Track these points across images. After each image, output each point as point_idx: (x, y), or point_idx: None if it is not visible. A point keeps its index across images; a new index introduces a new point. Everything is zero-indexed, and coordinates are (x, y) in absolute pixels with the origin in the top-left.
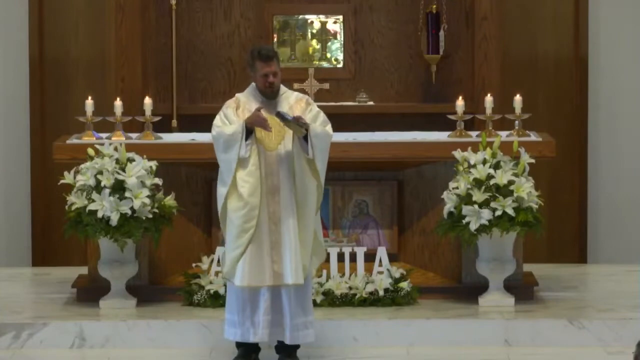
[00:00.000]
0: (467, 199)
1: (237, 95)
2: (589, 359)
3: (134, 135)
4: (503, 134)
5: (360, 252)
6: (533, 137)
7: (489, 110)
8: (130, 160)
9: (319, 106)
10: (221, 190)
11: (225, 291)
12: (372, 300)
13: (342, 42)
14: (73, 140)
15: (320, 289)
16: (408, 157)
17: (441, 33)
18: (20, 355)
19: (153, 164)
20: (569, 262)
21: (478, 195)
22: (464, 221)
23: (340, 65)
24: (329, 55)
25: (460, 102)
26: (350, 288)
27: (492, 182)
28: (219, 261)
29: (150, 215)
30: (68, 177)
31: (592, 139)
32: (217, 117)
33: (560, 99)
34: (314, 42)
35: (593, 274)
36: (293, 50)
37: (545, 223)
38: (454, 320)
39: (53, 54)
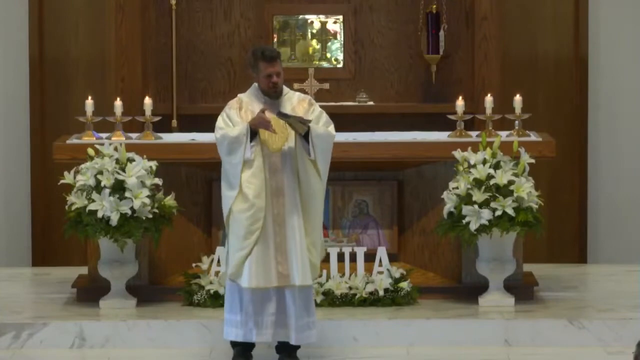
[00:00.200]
0: (467, 199)
1: (239, 95)
2: (589, 359)
3: (134, 135)
4: (503, 134)
5: (360, 252)
6: (533, 137)
7: (489, 110)
8: (130, 160)
9: (319, 106)
10: (228, 193)
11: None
12: (372, 300)
13: (342, 42)
14: (73, 140)
15: (320, 289)
16: (408, 157)
17: (441, 33)
18: (20, 355)
19: (153, 164)
20: (569, 262)
21: (478, 195)
22: (464, 221)
23: (340, 65)
24: (329, 55)
25: (460, 102)
26: (350, 288)
27: (492, 182)
28: (219, 261)
29: (150, 215)
30: (68, 177)
31: (592, 139)
32: (220, 118)
33: (560, 99)
34: (314, 42)
35: (593, 274)
36: (293, 50)
37: (545, 223)
38: (454, 320)
39: (53, 54)
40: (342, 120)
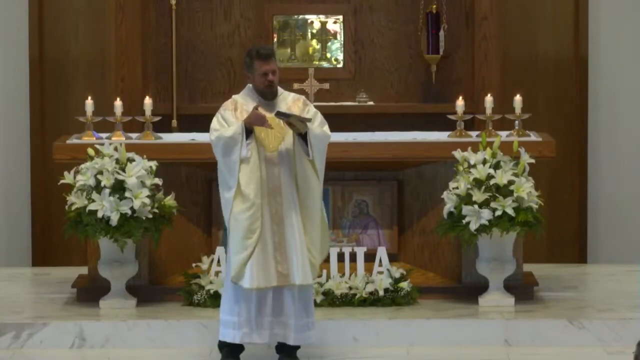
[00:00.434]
0: (467, 199)
1: (233, 96)
2: (589, 359)
3: (134, 135)
4: (503, 134)
5: (360, 252)
6: (533, 137)
7: (489, 110)
8: (130, 160)
9: (319, 106)
10: (227, 195)
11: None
12: (372, 300)
13: (342, 42)
14: (73, 140)
15: (320, 289)
16: (408, 157)
17: (441, 33)
18: (20, 355)
19: (153, 164)
20: (569, 262)
21: (478, 195)
22: (464, 221)
23: (340, 65)
24: (329, 55)
25: (460, 102)
26: (350, 288)
27: (492, 182)
28: (219, 261)
29: (150, 215)
30: (68, 177)
31: (592, 139)
32: (215, 120)
33: (560, 99)
34: (314, 42)
35: (593, 274)
36: (293, 50)
37: (545, 223)
38: (454, 320)
39: (53, 54)
40: (342, 120)
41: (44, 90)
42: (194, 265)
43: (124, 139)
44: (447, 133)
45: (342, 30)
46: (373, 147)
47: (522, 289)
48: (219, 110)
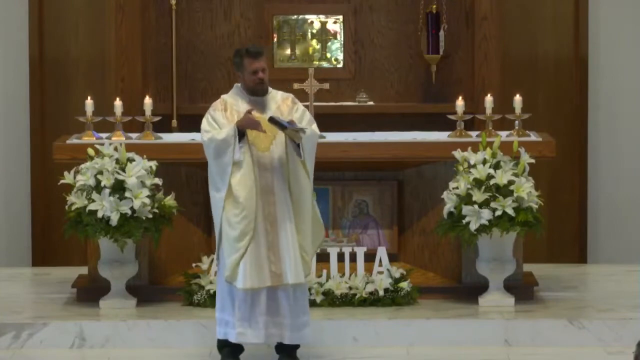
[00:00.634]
0: (467, 199)
1: (222, 96)
2: (589, 359)
3: (134, 135)
4: (503, 134)
5: (360, 252)
6: (533, 137)
7: (489, 110)
8: (130, 160)
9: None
10: (217, 196)
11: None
12: (372, 300)
13: (342, 42)
14: (73, 140)
15: (320, 289)
16: (408, 157)
17: (441, 33)
18: (20, 355)
19: (153, 164)
20: (569, 262)
21: (478, 195)
22: (464, 221)
23: (340, 65)
24: (329, 55)
25: (460, 102)
26: (350, 288)
27: (492, 182)
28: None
29: (150, 215)
30: (68, 177)
31: (592, 139)
32: (204, 121)
33: (560, 99)
34: (314, 42)
35: (593, 274)
36: (293, 50)
37: (545, 223)
38: (454, 320)
39: (53, 54)
40: (342, 120)
41: (44, 90)
42: (194, 265)
43: (124, 139)
44: (447, 133)
45: (342, 30)
46: (373, 147)
47: (522, 289)
48: (208, 111)
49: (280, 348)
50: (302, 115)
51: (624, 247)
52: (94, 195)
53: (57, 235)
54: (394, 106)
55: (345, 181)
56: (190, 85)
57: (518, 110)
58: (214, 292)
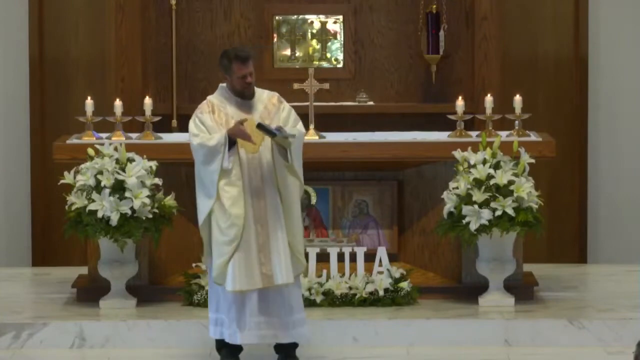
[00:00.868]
0: (467, 199)
1: (209, 98)
2: (589, 359)
3: (134, 135)
4: (503, 134)
5: (360, 252)
6: (533, 137)
7: (489, 110)
8: (130, 160)
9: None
10: (205, 202)
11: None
12: (372, 300)
13: (342, 42)
14: (73, 140)
15: (320, 289)
16: (408, 157)
17: (441, 33)
18: (20, 355)
19: (153, 164)
20: (569, 262)
21: (478, 195)
22: (464, 221)
23: (340, 65)
24: (329, 55)
25: (460, 102)
26: (350, 288)
27: (492, 182)
28: None
29: (150, 215)
30: (68, 177)
31: (592, 139)
32: (192, 123)
33: (560, 99)
34: (314, 42)
35: (593, 274)
36: (293, 50)
37: (545, 223)
38: (454, 320)
39: (53, 54)
40: (342, 120)
41: (44, 90)
42: (194, 265)
43: (124, 139)
44: (447, 133)
45: (342, 30)
46: (373, 147)
47: (522, 289)
48: (195, 113)
49: (279, 348)
50: (288, 115)
51: (624, 247)
52: (94, 195)
53: (57, 235)
54: (394, 106)
55: (345, 181)
56: (190, 85)
57: (518, 110)
58: None
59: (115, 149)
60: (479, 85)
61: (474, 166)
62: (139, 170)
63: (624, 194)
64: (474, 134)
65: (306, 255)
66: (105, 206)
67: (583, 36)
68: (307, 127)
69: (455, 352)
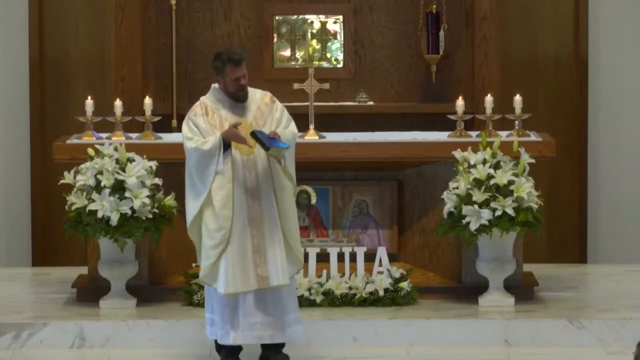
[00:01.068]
0: (467, 199)
1: (202, 99)
2: (589, 359)
3: (134, 135)
4: (503, 134)
5: (360, 252)
6: (533, 137)
7: (489, 110)
8: (130, 160)
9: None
10: (193, 204)
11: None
12: (372, 300)
13: (342, 42)
14: (73, 140)
15: (320, 289)
16: (408, 157)
17: (441, 33)
18: (20, 355)
19: (153, 164)
20: (569, 262)
21: (478, 195)
22: (464, 221)
23: (340, 65)
24: (329, 55)
25: (460, 102)
26: (350, 288)
27: (492, 182)
28: None
29: (150, 215)
30: (68, 177)
31: (592, 139)
32: (185, 126)
33: (560, 99)
34: (314, 42)
35: (593, 274)
36: (293, 50)
37: (545, 223)
38: (454, 320)
39: (53, 54)
40: (342, 120)
41: (44, 90)
42: (194, 265)
43: (124, 139)
44: (447, 133)
45: (342, 30)
46: (373, 147)
47: (522, 289)
48: (188, 115)
49: (267, 345)
50: (281, 115)
51: (624, 247)
52: (94, 195)
53: (57, 235)
54: (394, 106)
55: (345, 181)
56: (190, 85)
57: (518, 110)
58: None
59: (115, 149)
60: (479, 85)
61: (474, 166)
62: (139, 170)
63: (624, 194)
64: (474, 134)
65: (306, 256)
66: (105, 206)
67: (583, 36)
68: (307, 127)
69: (455, 352)
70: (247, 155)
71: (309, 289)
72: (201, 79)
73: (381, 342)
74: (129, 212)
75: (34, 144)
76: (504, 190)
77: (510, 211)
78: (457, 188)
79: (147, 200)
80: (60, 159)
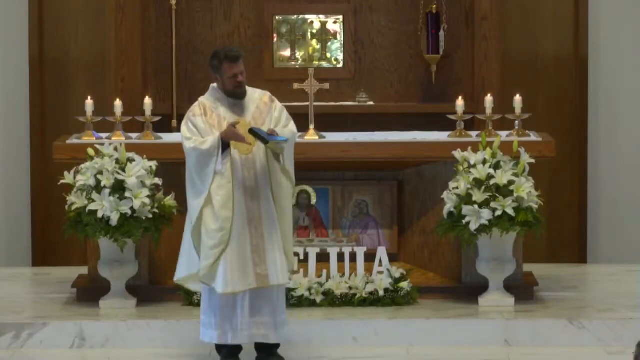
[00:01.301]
0: (467, 199)
1: (200, 99)
2: (589, 359)
3: (134, 135)
4: (503, 134)
5: (360, 252)
6: (533, 137)
7: (489, 110)
8: (130, 160)
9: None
10: (195, 203)
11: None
12: (372, 300)
13: (342, 42)
14: (73, 140)
15: (320, 289)
16: (408, 157)
17: (441, 33)
18: (20, 355)
19: (153, 164)
20: (569, 262)
21: (478, 195)
22: (464, 221)
23: (340, 65)
24: (329, 55)
25: (460, 102)
26: (350, 288)
27: (492, 182)
28: None
29: (150, 215)
30: (68, 177)
31: (592, 139)
32: (184, 127)
33: (560, 99)
34: (314, 42)
35: (593, 274)
36: (293, 50)
37: (545, 223)
38: (454, 320)
39: (53, 54)
40: (342, 120)
41: (44, 90)
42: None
43: (124, 139)
44: (447, 133)
45: (342, 30)
46: (373, 147)
47: (522, 289)
48: (187, 116)
49: (261, 347)
50: (280, 115)
51: (624, 247)
52: (94, 195)
53: (57, 235)
54: (394, 106)
55: (345, 181)
56: (190, 85)
57: (518, 110)
58: None
59: (115, 149)
60: (479, 85)
61: (474, 166)
62: (139, 170)
63: (624, 194)
64: (474, 134)
65: (306, 255)
66: (105, 206)
67: (583, 36)
68: (307, 127)
69: (455, 352)
70: (245, 155)
71: (309, 289)
72: (201, 79)
73: (381, 342)
74: (129, 212)
75: (34, 144)
76: (504, 190)
77: (510, 211)
78: (457, 188)
79: (147, 200)
80: (60, 159)
